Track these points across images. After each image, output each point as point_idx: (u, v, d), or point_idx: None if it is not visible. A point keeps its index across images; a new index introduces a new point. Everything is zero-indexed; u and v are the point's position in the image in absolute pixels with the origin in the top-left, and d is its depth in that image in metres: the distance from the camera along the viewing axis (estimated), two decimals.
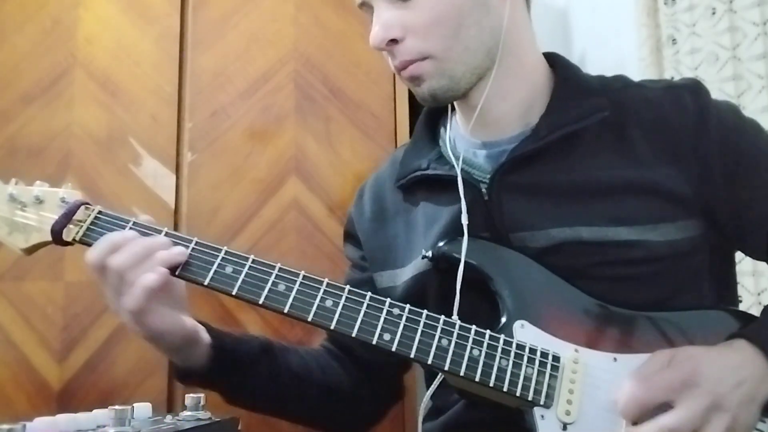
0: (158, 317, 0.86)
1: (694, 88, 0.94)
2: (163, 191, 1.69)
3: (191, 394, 1.05)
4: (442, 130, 1.05)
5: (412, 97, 1.69)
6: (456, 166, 0.94)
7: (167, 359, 1.60)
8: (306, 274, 0.86)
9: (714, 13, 1.42)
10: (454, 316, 0.86)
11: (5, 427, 0.80)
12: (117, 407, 0.91)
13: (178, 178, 1.70)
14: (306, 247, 1.67)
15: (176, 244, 0.88)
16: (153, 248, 0.86)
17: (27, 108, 1.72)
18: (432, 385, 0.91)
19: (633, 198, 0.89)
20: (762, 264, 1.29)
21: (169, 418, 1.03)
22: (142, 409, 1.04)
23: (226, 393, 1.01)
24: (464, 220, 0.90)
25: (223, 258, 0.87)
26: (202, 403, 1.05)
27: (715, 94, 1.36)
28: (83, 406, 1.00)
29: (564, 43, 1.97)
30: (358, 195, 1.13)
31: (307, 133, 1.72)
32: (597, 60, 1.82)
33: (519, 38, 0.95)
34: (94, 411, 0.97)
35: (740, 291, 1.31)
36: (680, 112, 0.92)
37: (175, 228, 1.67)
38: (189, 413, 1.04)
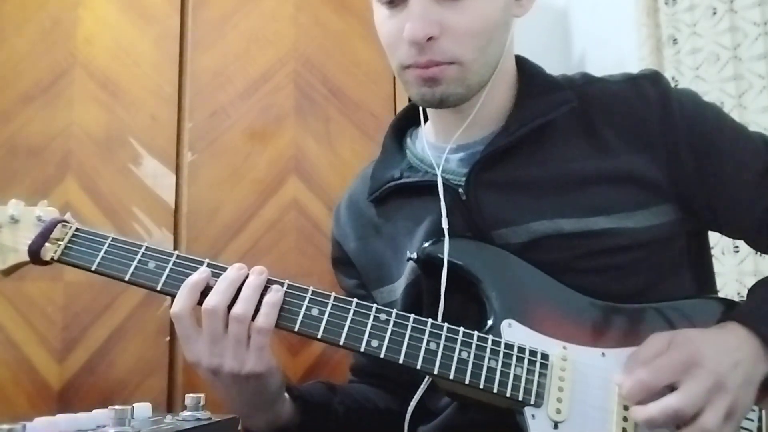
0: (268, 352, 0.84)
1: (654, 78, 0.95)
2: (163, 191, 1.69)
3: (191, 394, 1.05)
4: (408, 140, 1.05)
5: None
6: (437, 168, 0.94)
7: (167, 359, 1.61)
8: (291, 283, 0.85)
9: (715, 13, 1.42)
10: (439, 317, 0.85)
11: (5, 427, 0.80)
12: (117, 407, 0.91)
13: (178, 178, 1.70)
14: (306, 247, 1.67)
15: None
16: (239, 281, 0.83)
17: (27, 108, 1.72)
18: (419, 389, 0.91)
19: (607, 187, 0.90)
20: (763, 264, 1.29)
21: (169, 418, 1.03)
22: (142, 409, 1.03)
23: None
24: (444, 224, 0.90)
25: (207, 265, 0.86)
26: (202, 403, 1.04)
27: (716, 94, 1.37)
28: (83, 406, 0.99)
29: (564, 43, 1.97)
30: (335, 218, 1.12)
31: (307, 133, 1.72)
32: (597, 60, 1.82)
33: (511, 52, 0.97)
34: (94, 411, 0.96)
35: (742, 291, 1.31)
36: (643, 101, 0.93)
37: (175, 228, 1.67)
38: (189, 413, 1.03)
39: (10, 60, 1.74)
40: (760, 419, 0.81)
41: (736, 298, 1.31)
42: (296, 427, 0.93)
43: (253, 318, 0.82)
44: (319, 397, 0.98)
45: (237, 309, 0.81)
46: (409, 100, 0.98)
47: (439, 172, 0.94)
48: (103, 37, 1.76)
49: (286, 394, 0.93)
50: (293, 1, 1.77)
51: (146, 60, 1.75)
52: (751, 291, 0.91)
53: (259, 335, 0.82)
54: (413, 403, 0.92)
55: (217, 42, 1.76)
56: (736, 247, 1.32)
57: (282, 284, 0.85)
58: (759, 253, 1.26)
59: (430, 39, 0.85)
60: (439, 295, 0.91)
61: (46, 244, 0.89)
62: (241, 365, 0.82)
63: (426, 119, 1.04)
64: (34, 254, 0.89)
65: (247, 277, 0.84)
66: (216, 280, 0.84)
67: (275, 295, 0.83)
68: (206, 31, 1.76)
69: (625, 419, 0.79)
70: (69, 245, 0.89)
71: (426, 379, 0.88)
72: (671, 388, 0.75)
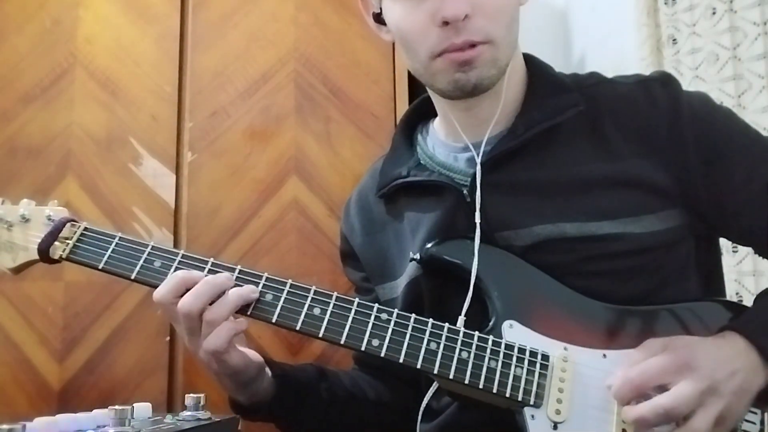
0: (236, 354, 0.87)
1: (665, 81, 0.94)
2: (163, 191, 1.69)
3: (191, 394, 1.05)
4: (419, 137, 1.05)
5: (412, 97, 1.70)
6: (475, 157, 0.93)
7: (167, 359, 1.61)
8: (293, 282, 0.86)
9: (714, 13, 1.42)
10: (461, 320, 0.85)
11: (5, 427, 0.80)
12: (117, 407, 0.91)
13: (178, 178, 1.70)
14: (306, 247, 1.67)
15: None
16: (222, 287, 0.85)
17: (27, 108, 1.72)
18: (429, 391, 0.91)
19: (613, 191, 0.90)
20: (763, 264, 1.29)
21: (169, 418, 1.03)
22: (142, 409, 1.04)
23: (291, 422, 1.01)
24: (477, 219, 0.90)
25: (209, 270, 0.87)
26: (202, 403, 1.05)
27: (715, 94, 1.37)
28: (83, 406, 1.00)
29: (564, 43, 1.97)
30: (344, 212, 1.13)
31: (307, 133, 1.72)
32: (597, 60, 1.82)
33: (518, 41, 0.96)
34: (94, 411, 0.97)
35: (741, 291, 1.31)
36: (652, 104, 0.92)
37: (175, 228, 1.68)
38: (189, 413, 1.04)
39: (10, 60, 1.74)
40: (762, 422, 0.81)
41: (735, 299, 1.31)
42: (271, 402, 0.95)
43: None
44: (303, 379, 1.00)
45: (207, 315, 0.84)
46: (409, 102, 0.98)
47: (478, 168, 0.92)
48: (103, 37, 1.76)
49: (268, 372, 0.95)
50: (293, 1, 1.78)
51: (146, 60, 1.75)
52: (755, 300, 0.90)
53: (213, 355, 0.84)
54: (424, 404, 0.92)
55: (217, 42, 1.76)
56: (735, 247, 1.32)
57: (261, 276, 0.86)
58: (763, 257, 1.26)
59: (465, 18, 0.85)
60: (441, 295, 0.91)
61: (55, 242, 0.91)
62: (209, 362, 0.86)
63: (435, 115, 1.04)
64: (44, 252, 0.91)
65: (233, 285, 0.86)
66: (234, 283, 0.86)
67: (236, 325, 0.84)
68: (206, 31, 1.76)
69: (625, 420, 0.79)
70: (77, 244, 0.90)
71: (435, 382, 0.88)
72: (664, 390, 0.75)
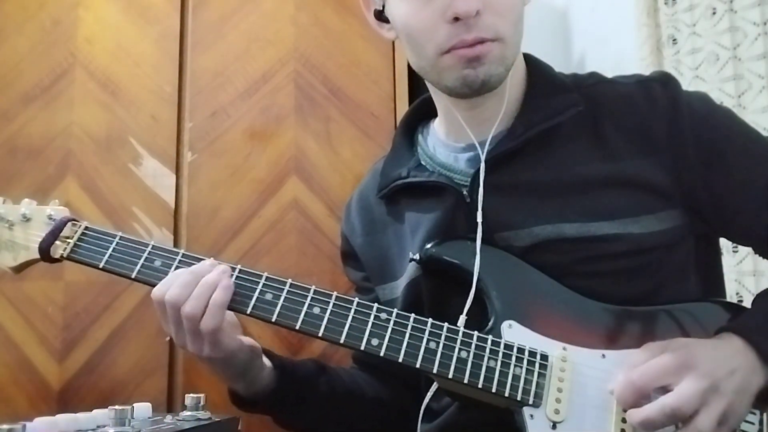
0: (228, 336, 0.87)
1: (664, 81, 0.94)
2: (163, 191, 1.69)
3: (191, 394, 1.05)
4: (420, 137, 1.05)
5: (412, 97, 1.70)
6: (482, 158, 0.93)
7: (167, 359, 1.61)
8: (293, 282, 0.86)
9: (714, 13, 1.42)
10: (462, 319, 0.85)
11: (5, 427, 0.80)
12: (117, 407, 0.91)
13: (178, 178, 1.70)
14: (306, 247, 1.67)
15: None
16: (200, 273, 0.86)
17: (27, 108, 1.72)
18: (429, 391, 0.91)
19: (612, 191, 0.89)
20: (763, 264, 1.29)
21: (169, 418, 1.03)
22: (142, 409, 1.04)
23: (289, 415, 1.01)
24: (479, 218, 0.90)
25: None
26: (202, 403, 1.05)
27: (716, 94, 1.37)
28: (83, 406, 1.00)
29: (564, 43, 1.97)
30: (345, 212, 1.13)
31: (307, 133, 1.72)
32: (597, 60, 1.82)
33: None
34: (94, 411, 0.97)
35: (741, 291, 1.31)
36: (652, 104, 0.92)
37: (175, 228, 1.68)
38: (189, 413, 1.04)
39: (10, 60, 1.75)
40: (761, 422, 0.81)
41: (735, 299, 1.31)
42: (271, 393, 0.95)
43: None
44: (303, 372, 1.00)
45: (186, 307, 0.84)
46: (409, 102, 0.98)
47: (483, 170, 0.92)
48: (103, 37, 1.76)
49: (268, 362, 0.95)
50: (293, 1, 1.78)
51: (146, 60, 1.75)
52: (754, 302, 0.90)
53: (207, 333, 0.84)
54: (424, 404, 0.92)
55: (217, 42, 1.76)
56: (735, 247, 1.32)
57: (260, 276, 0.87)
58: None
59: (476, 14, 0.85)
60: (441, 295, 0.91)
61: (56, 242, 0.92)
62: (199, 351, 0.86)
63: (436, 116, 1.04)
64: (44, 252, 0.92)
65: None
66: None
67: (223, 294, 0.84)
68: (206, 31, 1.76)
69: (623, 420, 0.79)
70: (78, 243, 0.91)
71: (435, 382, 0.88)
72: (667, 391, 0.75)
